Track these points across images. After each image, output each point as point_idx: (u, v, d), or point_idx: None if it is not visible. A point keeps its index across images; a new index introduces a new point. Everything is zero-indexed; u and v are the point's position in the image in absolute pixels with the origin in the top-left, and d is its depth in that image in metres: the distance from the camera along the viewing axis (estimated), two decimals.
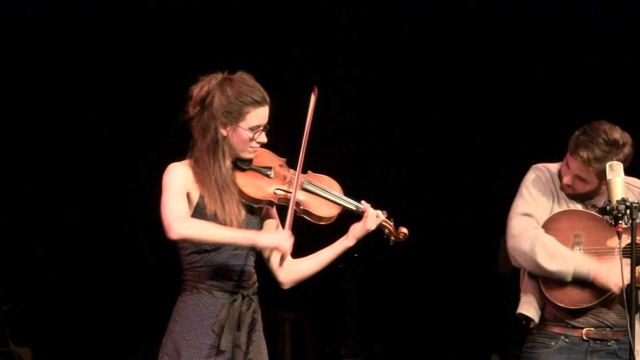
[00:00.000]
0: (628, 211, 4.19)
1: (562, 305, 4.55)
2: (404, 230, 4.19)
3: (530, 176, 4.69)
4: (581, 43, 7.59)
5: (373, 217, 4.11)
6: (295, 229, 4.03)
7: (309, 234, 4.14)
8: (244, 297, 3.99)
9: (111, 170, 7.78)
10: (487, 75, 7.85)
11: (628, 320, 4.21)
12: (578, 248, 4.56)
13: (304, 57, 7.75)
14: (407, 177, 8.07)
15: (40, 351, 7.84)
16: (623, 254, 4.47)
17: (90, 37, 7.66)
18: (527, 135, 7.64)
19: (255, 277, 4.07)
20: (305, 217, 4.07)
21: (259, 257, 4.11)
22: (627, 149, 4.50)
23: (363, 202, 4.13)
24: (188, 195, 3.95)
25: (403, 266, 7.80)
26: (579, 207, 4.64)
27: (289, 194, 4.01)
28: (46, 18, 7.60)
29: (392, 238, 4.18)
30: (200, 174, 3.95)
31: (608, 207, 4.21)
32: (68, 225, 7.81)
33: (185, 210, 3.89)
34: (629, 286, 4.27)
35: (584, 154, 4.50)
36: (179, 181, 3.93)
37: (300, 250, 4.15)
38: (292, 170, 4.08)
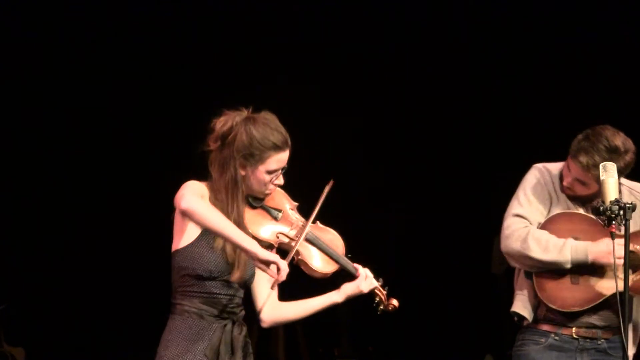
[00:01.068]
0: (621, 212, 4.19)
1: (554, 307, 4.56)
2: (395, 302, 4.20)
3: (529, 178, 4.69)
4: (580, 41, 7.59)
5: (368, 282, 4.11)
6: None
7: (298, 280, 4.12)
8: (234, 322, 3.97)
9: (106, 171, 7.77)
10: (483, 77, 7.85)
11: (622, 326, 4.19)
12: (571, 240, 4.57)
13: (311, 90, 7.75)
14: (402, 175, 8.06)
15: (34, 351, 7.83)
16: None
17: (106, 46, 7.68)
18: (521, 135, 7.64)
19: (242, 307, 4.05)
20: (300, 267, 4.03)
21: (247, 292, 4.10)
22: (628, 157, 4.49)
23: (361, 268, 4.11)
24: None
25: (396, 266, 7.80)
26: (580, 209, 4.65)
27: (291, 242, 3.98)
28: (63, 28, 7.62)
29: (381, 307, 4.19)
30: (217, 206, 3.88)
31: (601, 208, 4.21)
32: (62, 225, 7.80)
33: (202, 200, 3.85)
34: (622, 293, 4.26)
35: (583, 159, 4.49)
36: (199, 190, 3.87)
37: (285, 294, 4.13)
38: (300, 218, 4.06)
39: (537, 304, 4.63)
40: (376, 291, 4.16)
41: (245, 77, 7.37)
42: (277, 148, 3.91)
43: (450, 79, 7.91)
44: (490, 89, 7.85)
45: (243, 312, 4.03)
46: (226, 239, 3.83)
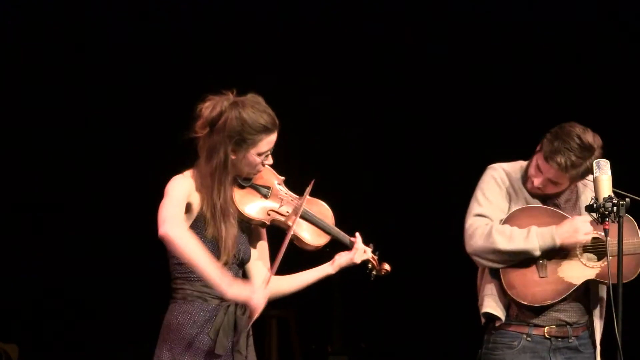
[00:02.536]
0: (615, 209, 4.20)
1: (525, 303, 4.58)
2: (387, 267, 4.25)
3: (485, 178, 4.71)
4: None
5: (361, 252, 4.15)
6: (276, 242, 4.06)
7: (292, 252, 4.14)
8: (237, 303, 3.99)
9: (101, 169, 7.76)
10: (470, 79, 7.86)
11: (615, 321, 4.20)
12: (535, 227, 4.60)
13: (300, 73, 7.74)
14: (394, 173, 8.07)
15: (27, 348, 7.82)
16: (585, 249, 4.55)
17: (95, 42, 7.66)
18: (511, 137, 7.66)
19: None
20: (293, 242, 4.06)
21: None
22: (598, 152, 4.51)
23: (354, 237, 4.15)
24: (189, 205, 3.93)
25: (390, 264, 7.79)
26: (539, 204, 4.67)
27: (287, 221, 4.01)
28: (52, 23, 7.61)
29: (374, 273, 4.23)
30: (203, 192, 3.93)
31: (595, 205, 4.22)
32: (56, 222, 7.79)
33: (182, 218, 3.87)
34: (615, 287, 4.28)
35: (561, 160, 4.50)
36: (181, 192, 3.90)
37: (281, 266, 4.16)
38: (289, 193, 4.09)
39: (507, 303, 4.64)
40: (369, 259, 4.19)
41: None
42: (268, 130, 3.93)
43: (437, 82, 7.92)
44: (479, 93, 7.86)
45: None
46: (198, 272, 3.84)
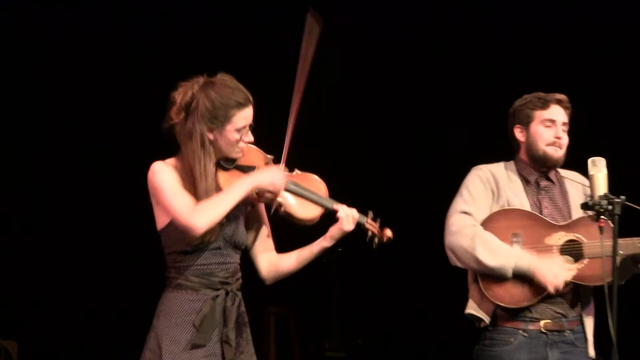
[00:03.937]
0: (610, 207, 4.23)
1: (502, 304, 4.60)
2: (388, 233, 4.21)
3: (470, 177, 4.77)
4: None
5: (347, 218, 4.11)
6: (280, 224, 4.08)
7: (293, 230, 4.17)
8: (227, 293, 4.02)
9: (97, 165, 7.78)
10: (474, 71, 7.87)
11: (611, 318, 4.22)
12: (517, 247, 4.62)
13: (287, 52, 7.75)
14: (393, 171, 8.08)
15: (27, 345, 7.84)
16: (562, 252, 4.57)
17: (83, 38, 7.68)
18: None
19: (239, 274, 4.10)
20: (286, 218, 4.10)
21: (244, 254, 4.15)
22: None
23: (341, 208, 4.13)
24: None
25: (388, 260, 7.82)
26: (531, 198, 4.71)
27: (270, 195, 4.03)
28: (39, 20, 7.62)
29: (376, 240, 4.19)
30: (187, 180, 3.97)
31: (590, 203, 4.25)
32: (55, 219, 7.81)
33: (190, 202, 3.92)
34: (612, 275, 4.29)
35: (554, 96, 4.70)
36: (171, 177, 3.96)
37: (282, 245, 4.20)
38: None
39: (492, 304, 4.66)
40: (366, 226, 4.16)
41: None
42: (240, 105, 3.98)
43: (438, 74, 7.93)
44: (483, 82, 7.87)
45: (239, 282, 4.08)
46: (232, 203, 3.92)
